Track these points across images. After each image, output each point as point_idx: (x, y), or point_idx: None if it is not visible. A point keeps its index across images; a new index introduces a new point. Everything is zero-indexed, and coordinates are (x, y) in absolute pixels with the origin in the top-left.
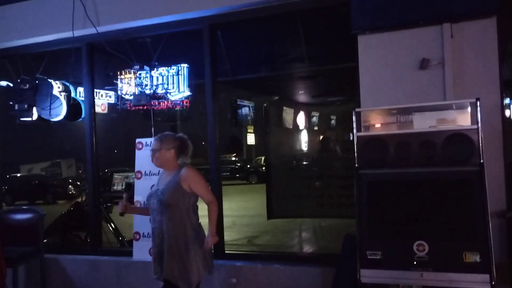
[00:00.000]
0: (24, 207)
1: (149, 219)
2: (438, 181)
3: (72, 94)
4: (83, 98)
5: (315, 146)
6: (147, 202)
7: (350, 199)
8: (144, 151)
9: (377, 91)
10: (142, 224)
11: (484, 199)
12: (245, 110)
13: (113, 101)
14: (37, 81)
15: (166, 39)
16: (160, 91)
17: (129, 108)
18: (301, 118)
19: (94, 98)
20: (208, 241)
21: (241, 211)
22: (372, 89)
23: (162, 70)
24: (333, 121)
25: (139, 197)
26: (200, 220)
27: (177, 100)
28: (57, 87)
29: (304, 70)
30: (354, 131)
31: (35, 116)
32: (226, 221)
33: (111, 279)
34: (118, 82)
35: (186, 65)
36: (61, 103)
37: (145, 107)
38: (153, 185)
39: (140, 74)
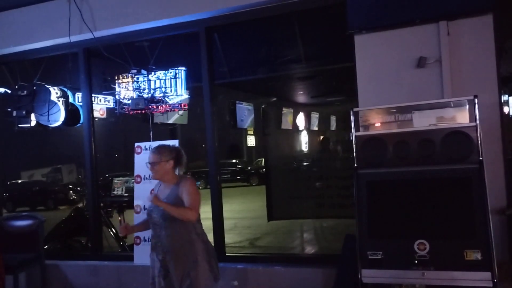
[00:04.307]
0: (24, 213)
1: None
2: (437, 180)
3: (70, 100)
4: (81, 103)
5: (315, 146)
6: (148, 217)
7: (350, 199)
8: (143, 155)
9: (375, 90)
10: None
11: (484, 197)
12: (244, 113)
13: (111, 106)
14: (34, 87)
15: (163, 43)
16: (158, 94)
17: (127, 112)
18: (300, 119)
19: (92, 103)
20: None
21: (242, 213)
22: (370, 89)
23: (160, 73)
24: (333, 121)
25: (139, 201)
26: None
27: (175, 104)
28: (55, 92)
29: (302, 70)
30: (353, 130)
31: (33, 122)
32: (227, 223)
33: (112, 284)
34: (116, 86)
35: (183, 68)
36: (59, 109)
37: (144, 111)
38: (152, 190)
39: (137, 78)
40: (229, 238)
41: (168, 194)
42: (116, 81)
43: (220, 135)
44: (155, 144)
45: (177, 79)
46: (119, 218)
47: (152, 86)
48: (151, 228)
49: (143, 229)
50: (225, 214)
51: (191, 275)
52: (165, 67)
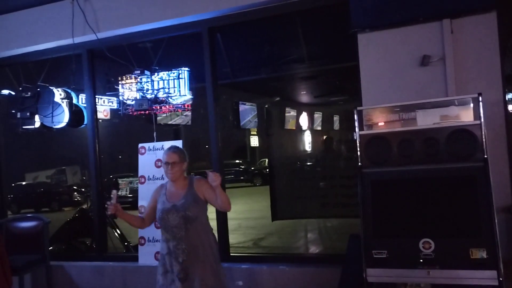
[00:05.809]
0: (29, 215)
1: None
2: (442, 178)
3: (74, 101)
4: (85, 105)
5: (319, 146)
6: (161, 221)
7: (355, 198)
8: (147, 156)
9: (378, 89)
10: (147, 229)
11: (489, 195)
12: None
13: (115, 107)
14: (38, 89)
15: (166, 43)
16: (161, 95)
17: (131, 113)
18: (303, 119)
19: (96, 104)
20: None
21: (246, 213)
22: (374, 87)
23: (163, 74)
24: (336, 121)
25: (143, 201)
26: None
27: (178, 104)
28: (58, 94)
29: (305, 70)
30: (356, 130)
31: (37, 124)
32: (231, 224)
33: (117, 284)
34: (120, 87)
35: (186, 68)
36: (63, 110)
37: (147, 112)
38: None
39: (141, 79)
40: (233, 239)
41: (185, 193)
42: (120, 82)
43: (224, 136)
44: (158, 144)
45: (180, 80)
46: (112, 194)
47: (156, 87)
48: (164, 233)
49: (131, 220)
50: (229, 215)
51: (217, 271)
52: (168, 67)
